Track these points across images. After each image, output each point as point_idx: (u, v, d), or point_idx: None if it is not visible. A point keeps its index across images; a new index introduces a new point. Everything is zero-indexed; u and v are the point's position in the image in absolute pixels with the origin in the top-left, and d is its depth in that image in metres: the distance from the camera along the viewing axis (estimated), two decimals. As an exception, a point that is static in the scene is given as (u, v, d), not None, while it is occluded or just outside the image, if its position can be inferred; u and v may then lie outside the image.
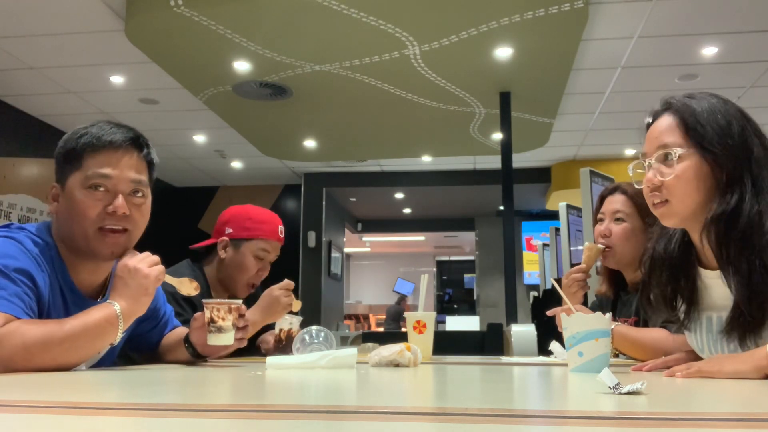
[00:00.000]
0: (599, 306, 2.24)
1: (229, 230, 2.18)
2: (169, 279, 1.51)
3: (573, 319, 1.33)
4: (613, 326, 1.75)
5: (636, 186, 1.43)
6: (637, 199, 2.00)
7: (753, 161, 1.27)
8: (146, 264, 1.40)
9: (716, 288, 1.34)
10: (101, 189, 1.39)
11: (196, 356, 1.58)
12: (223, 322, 1.48)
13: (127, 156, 1.42)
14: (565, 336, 1.34)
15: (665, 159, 1.31)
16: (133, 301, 1.37)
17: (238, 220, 2.19)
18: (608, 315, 1.35)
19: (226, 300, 1.52)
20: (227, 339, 1.50)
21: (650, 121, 1.39)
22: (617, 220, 2.02)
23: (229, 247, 2.17)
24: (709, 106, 1.31)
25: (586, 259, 2.04)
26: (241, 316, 1.54)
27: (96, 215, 1.39)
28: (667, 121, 1.34)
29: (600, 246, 2.02)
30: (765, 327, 1.24)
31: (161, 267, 1.43)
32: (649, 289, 1.47)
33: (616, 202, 2.04)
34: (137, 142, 1.45)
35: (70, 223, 1.40)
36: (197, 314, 1.58)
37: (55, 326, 1.27)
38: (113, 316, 1.33)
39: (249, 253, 2.16)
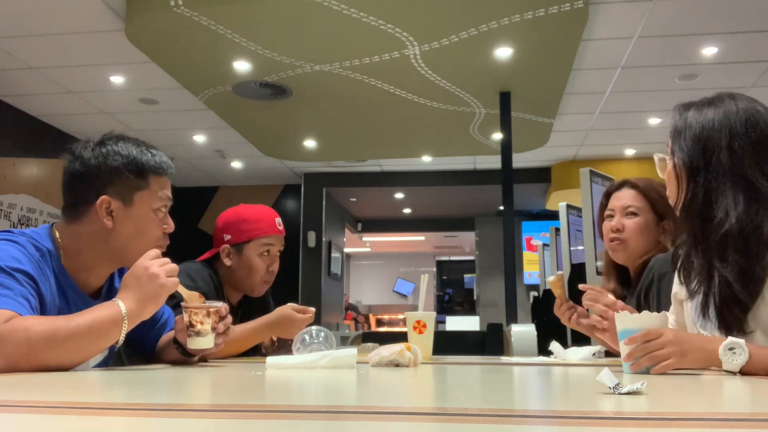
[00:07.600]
0: None
1: (227, 236, 2.12)
2: (181, 289, 1.49)
3: (621, 317, 1.30)
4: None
5: (660, 174, 1.45)
6: (648, 193, 1.99)
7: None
8: (165, 272, 1.38)
9: None
10: (164, 211, 1.50)
11: (186, 355, 1.56)
12: (201, 326, 1.46)
13: (169, 181, 1.55)
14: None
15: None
16: (141, 305, 1.35)
17: (234, 224, 2.13)
18: (663, 313, 1.31)
19: (205, 304, 1.49)
20: (206, 342, 1.47)
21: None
22: (629, 214, 2.00)
23: (232, 253, 2.12)
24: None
25: (559, 294, 1.86)
26: (222, 318, 1.51)
27: (161, 235, 1.50)
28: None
29: (559, 273, 1.88)
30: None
31: (176, 279, 1.42)
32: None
33: (626, 197, 2.02)
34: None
35: (135, 240, 1.45)
36: (178, 317, 1.56)
37: (60, 323, 1.25)
38: (119, 316, 1.31)
39: (253, 254, 2.11)
